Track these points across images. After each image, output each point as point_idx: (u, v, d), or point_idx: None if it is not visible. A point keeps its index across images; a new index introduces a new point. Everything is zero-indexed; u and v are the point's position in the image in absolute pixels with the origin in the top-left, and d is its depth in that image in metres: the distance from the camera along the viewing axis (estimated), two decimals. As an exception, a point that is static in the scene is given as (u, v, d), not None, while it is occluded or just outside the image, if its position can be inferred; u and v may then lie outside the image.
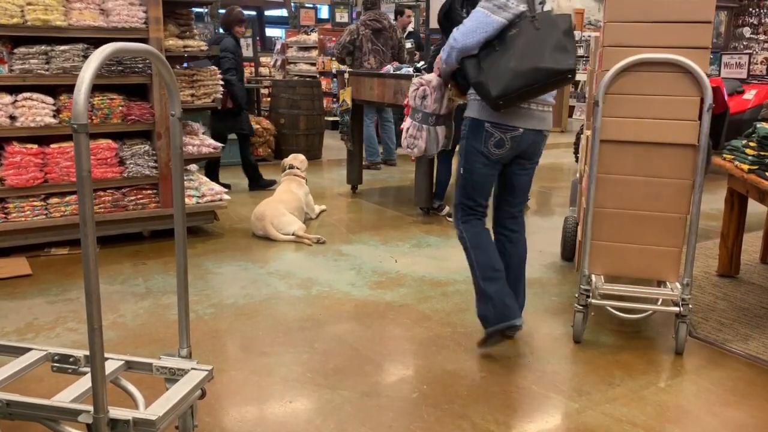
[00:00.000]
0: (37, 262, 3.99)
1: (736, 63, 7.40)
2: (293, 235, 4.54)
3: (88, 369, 2.06)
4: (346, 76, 5.84)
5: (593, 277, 2.98)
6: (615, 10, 2.82)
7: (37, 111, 3.96)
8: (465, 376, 2.68)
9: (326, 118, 9.46)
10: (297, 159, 5.20)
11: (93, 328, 1.62)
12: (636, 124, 2.84)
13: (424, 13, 7.71)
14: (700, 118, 2.75)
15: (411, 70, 5.26)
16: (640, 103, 2.82)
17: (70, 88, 4.07)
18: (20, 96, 3.93)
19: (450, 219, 5.12)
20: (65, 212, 4.11)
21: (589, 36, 11.92)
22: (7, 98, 3.89)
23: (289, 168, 5.13)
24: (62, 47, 3.98)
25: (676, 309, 2.83)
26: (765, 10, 10.20)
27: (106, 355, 1.91)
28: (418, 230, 4.89)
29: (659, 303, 3.02)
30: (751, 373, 2.74)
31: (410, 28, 9.67)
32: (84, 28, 4.00)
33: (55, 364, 2.14)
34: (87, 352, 1.93)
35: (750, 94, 6.78)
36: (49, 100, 4.00)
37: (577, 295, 2.95)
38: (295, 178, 5.04)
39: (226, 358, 2.82)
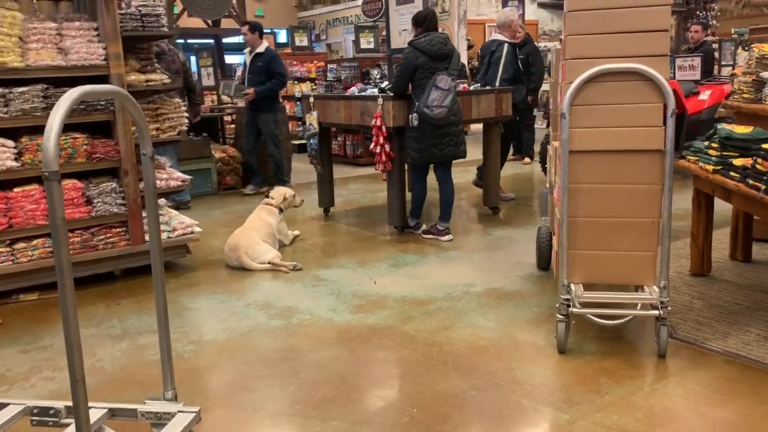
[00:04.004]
0: (5, 309, 3.86)
1: (689, 65, 7.61)
2: (269, 263, 4.49)
3: (69, 420, 2.00)
4: (311, 100, 5.84)
5: (572, 286, 3.01)
6: (575, 23, 2.89)
7: (-3, 155, 3.86)
8: (455, 395, 2.67)
9: (293, 142, 9.43)
10: (278, 191, 5.19)
11: (75, 379, 1.58)
12: (603, 133, 2.89)
13: (384, 33, 7.74)
14: (664, 123, 2.81)
15: (376, 91, 5.28)
16: (605, 112, 2.87)
17: (30, 130, 3.99)
18: (-21, 141, 3.83)
19: (426, 236, 5.13)
20: (32, 257, 4.00)
21: (545, 46, 12.17)
22: (-34, 144, 3.79)
23: (265, 197, 5.15)
24: (21, 89, 3.89)
25: (656, 312, 2.87)
26: (711, 13, 10.54)
27: (89, 404, 1.85)
28: (394, 249, 4.88)
29: (638, 307, 3.06)
30: (734, 371, 2.78)
31: (260, 49, 7.06)
32: (43, 68, 3.92)
33: (35, 418, 2.07)
34: (67, 403, 1.87)
35: (705, 95, 6.97)
36: (10, 143, 3.91)
37: (558, 305, 2.97)
38: (266, 207, 5.00)
39: (211, 397, 2.76)
